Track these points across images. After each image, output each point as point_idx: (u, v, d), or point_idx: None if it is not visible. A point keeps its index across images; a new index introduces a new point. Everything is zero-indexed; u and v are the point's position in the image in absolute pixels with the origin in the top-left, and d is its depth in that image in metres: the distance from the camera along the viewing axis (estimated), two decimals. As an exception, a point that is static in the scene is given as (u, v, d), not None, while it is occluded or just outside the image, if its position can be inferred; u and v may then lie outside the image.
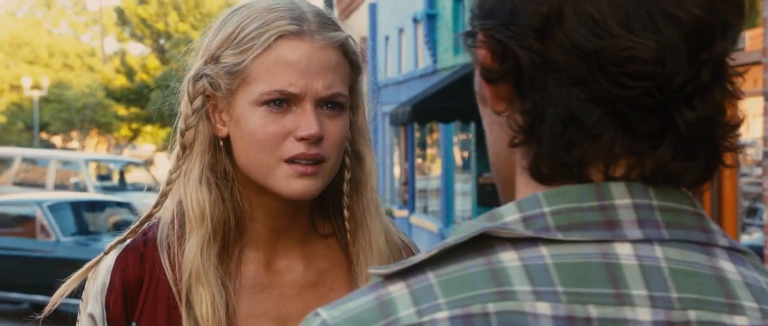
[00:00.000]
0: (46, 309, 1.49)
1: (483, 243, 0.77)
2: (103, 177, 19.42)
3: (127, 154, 40.43)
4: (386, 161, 19.65)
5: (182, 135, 1.41)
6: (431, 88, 13.49)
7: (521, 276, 0.75)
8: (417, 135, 17.68)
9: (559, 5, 0.77)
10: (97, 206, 12.15)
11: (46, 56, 40.40)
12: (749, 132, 6.61)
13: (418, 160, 17.95)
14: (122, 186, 18.65)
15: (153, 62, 33.37)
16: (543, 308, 0.74)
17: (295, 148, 1.35)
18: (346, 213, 1.44)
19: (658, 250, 0.77)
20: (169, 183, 1.42)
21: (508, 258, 0.76)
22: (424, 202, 17.56)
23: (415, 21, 17.01)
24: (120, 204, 12.56)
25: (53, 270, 10.77)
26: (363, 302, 0.77)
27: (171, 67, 31.49)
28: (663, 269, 0.76)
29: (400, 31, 18.32)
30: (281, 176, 1.35)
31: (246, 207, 1.41)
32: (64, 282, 1.46)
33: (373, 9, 20.45)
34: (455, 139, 15.43)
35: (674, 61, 0.75)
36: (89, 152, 33.14)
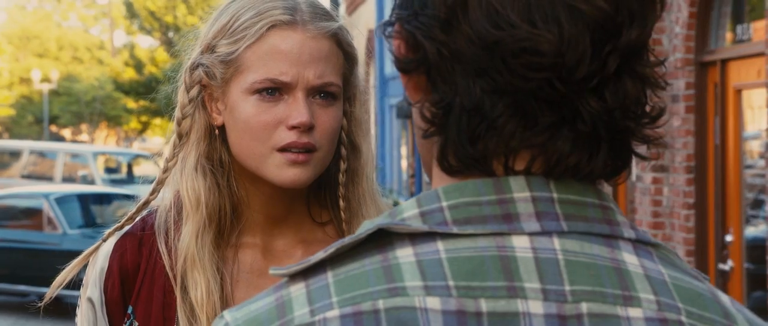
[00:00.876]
0: (47, 297, 1.51)
1: (384, 239, 0.78)
2: (111, 170, 19.46)
3: (136, 147, 40.52)
4: (394, 154, 19.64)
5: (179, 123, 1.43)
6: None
7: (413, 272, 0.76)
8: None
9: None
10: (104, 199, 12.19)
11: (55, 49, 40.49)
12: (754, 124, 6.58)
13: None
14: (130, 178, 18.68)
15: (162, 55, 33.40)
16: (433, 303, 0.74)
17: (286, 137, 1.37)
18: (341, 202, 1.46)
19: (557, 242, 0.77)
20: (165, 170, 1.44)
21: (404, 253, 0.77)
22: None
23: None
24: (127, 197, 12.58)
25: (60, 262, 10.79)
26: (265, 303, 0.78)
27: (180, 60, 31.29)
28: (559, 261, 0.76)
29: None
30: (273, 164, 1.37)
31: (242, 195, 1.43)
32: (64, 269, 1.49)
33: (380, 1, 20.42)
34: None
35: (575, 52, 0.75)
36: (98, 145, 33.23)
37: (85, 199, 11.65)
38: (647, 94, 0.80)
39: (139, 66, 32.49)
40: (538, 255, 0.76)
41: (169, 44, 33.59)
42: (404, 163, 19.59)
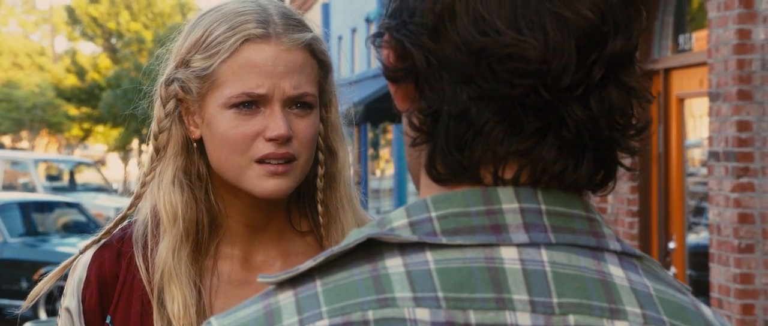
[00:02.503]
0: (24, 306, 1.50)
1: (373, 249, 0.77)
2: (52, 178, 19.17)
3: (78, 154, 39.96)
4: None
5: (155, 138, 1.44)
6: (384, 88, 13.50)
7: (403, 282, 0.75)
8: (370, 135, 17.69)
9: (451, 4, 0.77)
10: (46, 207, 12.00)
11: (-6, 55, 39.79)
12: (696, 132, 6.70)
13: (370, 151, 17.95)
14: (72, 186, 18.42)
15: (104, 62, 32.99)
16: (422, 314, 0.74)
17: (264, 148, 1.38)
18: (319, 207, 1.46)
19: (544, 254, 0.77)
20: (143, 185, 1.45)
21: (393, 264, 0.76)
22: (378, 203, 17.57)
23: (368, 21, 17.01)
24: (69, 205, 12.41)
25: (0, 271, 10.62)
26: (252, 310, 0.77)
27: (123, 67, 31.27)
28: (547, 273, 0.76)
29: (353, 30, 18.31)
30: (253, 176, 1.38)
31: (220, 207, 1.44)
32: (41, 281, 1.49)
33: (325, 9, 20.42)
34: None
35: (560, 60, 0.76)
36: (39, 152, 32.71)
37: (26, 207, 11.46)
38: (633, 105, 0.80)
39: (81, 72, 32.04)
40: (526, 266, 0.76)
41: (111, 51, 33.21)
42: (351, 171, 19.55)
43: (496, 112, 0.77)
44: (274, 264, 1.46)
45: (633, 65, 0.79)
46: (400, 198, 15.68)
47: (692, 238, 6.61)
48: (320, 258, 0.77)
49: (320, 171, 1.46)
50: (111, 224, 1.48)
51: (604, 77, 0.77)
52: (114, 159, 41.22)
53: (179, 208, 1.41)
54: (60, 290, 1.55)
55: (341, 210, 1.47)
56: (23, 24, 45.85)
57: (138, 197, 1.46)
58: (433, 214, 0.77)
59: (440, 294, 0.75)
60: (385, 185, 16.98)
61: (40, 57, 41.93)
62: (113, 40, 33.32)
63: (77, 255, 1.48)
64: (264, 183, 1.38)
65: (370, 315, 0.74)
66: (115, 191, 19.38)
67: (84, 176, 21.05)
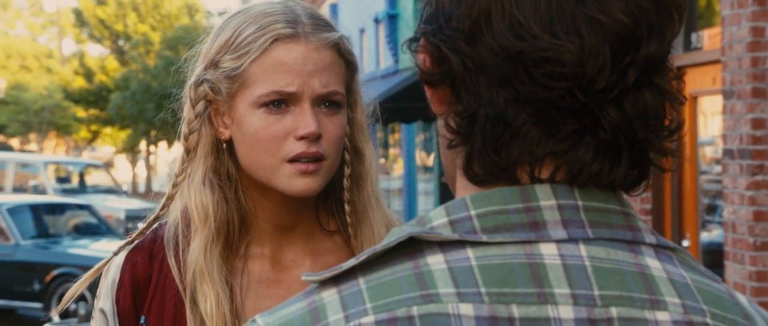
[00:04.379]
0: (59, 308, 1.55)
1: (414, 247, 0.79)
2: (62, 180, 19.21)
3: (86, 156, 40.03)
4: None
5: (186, 139, 1.46)
6: (393, 88, 13.51)
7: (446, 279, 0.77)
8: (379, 135, 17.70)
9: (487, 9, 0.79)
10: (56, 209, 12.03)
11: (2, 58, 39.88)
12: (708, 130, 6.69)
13: (381, 160, 17.96)
14: (82, 188, 18.46)
15: (112, 64, 33.04)
16: (466, 309, 0.76)
17: (295, 148, 1.39)
18: (347, 207, 1.48)
19: (583, 249, 0.79)
20: (174, 185, 1.47)
21: (435, 261, 0.78)
22: (387, 202, 17.53)
23: (377, 21, 17.02)
24: (80, 207, 12.44)
25: (13, 273, 10.64)
26: (297, 308, 0.79)
27: (130, 69, 31.27)
28: (587, 267, 0.78)
29: (362, 31, 18.32)
30: (284, 175, 1.40)
31: (250, 207, 1.46)
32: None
33: (334, 9, 20.42)
34: (417, 139, 15.46)
35: (596, 63, 0.78)
36: (48, 154, 32.77)
37: (37, 210, 11.49)
38: (665, 107, 0.82)
39: (89, 74, 32.10)
40: (566, 261, 0.78)
41: (119, 53, 33.27)
42: (377, 171, 19.54)
43: (532, 115, 0.78)
44: (304, 263, 1.48)
45: (666, 68, 0.81)
46: (410, 198, 15.68)
47: (705, 236, 6.61)
48: (363, 256, 0.79)
49: (347, 171, 1.48)
50: (144, 225, 1.50)
51: (637, 80, 0.79)
52: (122, 161, 41.28)
53: (210, 208, 1.43)
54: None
55: (369, 209, 1.48)
56: (31, 26, 45.95)
57: (170, 198, 1.47)
58: (473, 213, 0.79)
59: (483, 290, 0.77)
60: (394, 185, 16.99)
61: (47, 59, 42.01)
62: (121, 42, 33.38)
63: (111, 257, 1.50)
64: (294, 182, 1.39)
65: (415, 310, 0.76)
66: (125, 193, 19.42)
67: (93, 178, 21.08)
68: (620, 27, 0.78)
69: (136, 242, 1.49)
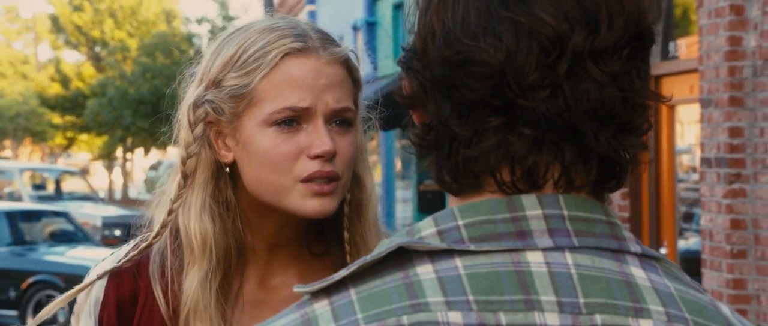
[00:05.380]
0: (33, 323, 1.45)
1: (403, 257, 0.81)
2: (38, 187, 19.08)
3: (61, 163, 39.76)
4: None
5: (183, 163, 1.38)
6: (371, 95, 13.51)
7: (435, 288, 0.79)
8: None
9: (432, 26, 0.83)
10: (33, 216, 11.94)
11: (-23, 64, 39.59)
12: (685, 138, 6.74)
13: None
14: (58, 195, 18.34)
15: (88, 70, 32.85)
16: (455, 317, 0.78)
17: (310, 167, 1.33)
18: (346, 234, 1.42)
19: (569, 257, 0.80)
20: (170, 213, 1.38)
21: (424, 271, 0.80)
22: (365, 210, 17.54)
23: (355, 28, 17.04)
24: (57, 214, 12.36)
25: (-12, 281, 10.55)
26: (290, 320, 0.81)
27: (107, 75, 31.12)
28: (572, 275, 0.80)
29: (340, 38, 18.22)
30: (297, 196, 1.34)
31: (247, 236, 1.40)
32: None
33: (312, 16, 20.42)
34: (396, 146, 15.46)
35: (514, 60, 0.80)
36: (23, 161, 32.53)
37: (13, 216, 11.40)
38: (629, 102, 0.82)
39: (65, 81, 31.90)
40: (552, 269, 0.79)
41: (95, 59, 33.10)
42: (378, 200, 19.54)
43: (466, 117, 0.81)
44: (291, 285, 1.42)
45: (617, 59, 0.81)
46: (388, 205, 15.68)
47: (683, 244, 6.65)
48: (353, 267, 0.80)
49: (347, 196, 1.41)
50: (135, 251, 1.41)
51: (571, 72, 0.80)
52: (98, 167, 41.05)
53: (211, 239, 1.36)
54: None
55: (370, 239, 1.43)
56: (6, 32, 45.63)
57: (164, 226, 1.39)
58: (461, 222, 0.81)
59: (471, 298, 0.78)
60: (373, 192, 16.96)
61: (23, 65, 41.72)
62: (97, 49, 33.21)
63: (94, 280, 1.41)
64: (308, 203, 1.33)
65: (405, 320, 0.78)
66: (102, 200, 19.31)
67: (69, 185, 20.94)
68: (542, 25, 0.80)
69: (121, 265, 1.40)
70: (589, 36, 0.81)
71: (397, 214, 15.42)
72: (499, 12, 0.81)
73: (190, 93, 1.41)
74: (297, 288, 0.81)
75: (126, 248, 1.43)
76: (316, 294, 0.81)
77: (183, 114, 1.41)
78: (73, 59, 37.08)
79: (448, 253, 0.80)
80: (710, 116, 5.68)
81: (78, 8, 33.37)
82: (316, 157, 1.33)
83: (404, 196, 14.99)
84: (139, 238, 1.44)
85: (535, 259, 0.80)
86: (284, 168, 1.34)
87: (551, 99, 0.80)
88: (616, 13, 0.82)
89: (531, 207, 0.81)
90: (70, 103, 30.49)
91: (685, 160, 6.76)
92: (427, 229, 0.82)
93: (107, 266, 1.41)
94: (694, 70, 6.07)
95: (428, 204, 13.21)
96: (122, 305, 1.39)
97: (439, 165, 0.84)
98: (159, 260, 1.39)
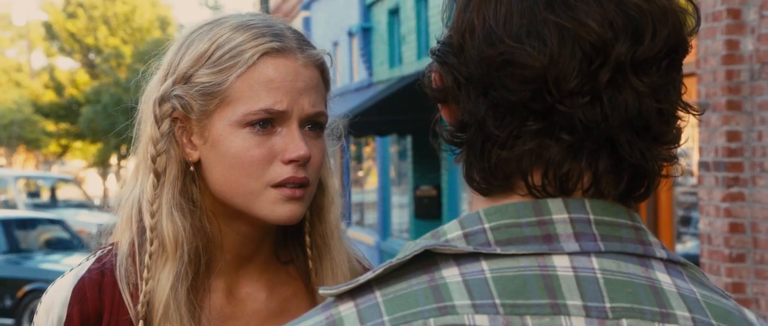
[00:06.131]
0: None
1: (428, 260, 0.81)
2: (33, 194, 19.05)
3: (56, 171, 39.69)
4: (322, 175, 19.54)
5: (154, 161, 1.33)
6: (367, 101, 13.51)
7: (461, 291, 0.79)
8: (353, 148, 17.69)
9: (471, 22, 0.83)
10: (28, 223, 11.93)
11: (-29, 71, 39.52)
12: (683, 141, 6.73)
13: (359, 173, 17.95)
14: (53, 203, 18.31)
15: (82, 77, 32.83)
16: (482, 320, 0.78)
17: (283, 172, 1.29)
18: (307, 240, 1.39)
19: (595, 262, 0.80)
20: (152, 215, 1.32)
21: (450, 273, 0.80)
22: (361, 215, 17.55)
23: (350, 34, 17.03)
24: (52, 222, 12.34)
25: (-16, 289, 10.52)
26: (315, 321, 0.80)
27: (102, 82, 31.08)
28: (598, 279, 0.80)
29: (335, 44, 18.32)
30: (267, 201, 1.30)
31: (216, 236, 1.35)
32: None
33: (307, 22, 20.42)
34: (391, 152, 15.46)
35: (557, 65, 0.80)
36: (18, 169, 32.46)
37: (9, 225, 11.38)
38: (664, 113, 0.82)
39: (59, 88, 31.87)
40: (578, 273, 0.79)
41: (90, 66, 33.05)
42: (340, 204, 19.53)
43: (502, 118, 0.81)
44: (259, 297, 1.38)
45: (656, 71, 0.81)
46: (384, 211, 15.67)
47: (681, 248, 6.65)
48: (379, 269, 0.80)
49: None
50: (98, 265, 1.34)
51: (612, 81, 0.80)
52: (92, 175, 40.99)
53: (182, 236, 1.30)
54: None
55: (332, 244, 1.39)
56: (-1, 40, 45.60)
57: (153, 230, 1.32)
58: (487, 225, 0.81)
59: (498, 301, 0.78)
60: (369, 198, 16.97)
61: (17, 73, 41.67)
62: (91, 56, 33.17)
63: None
64: (279, 208, 1.29)
65: (432, 322, 0.77)
66: (97, 207, 19.27)
67: (64, 192, 20.90)
68: (587, 31, 0.80)
69: (83, 274, 1.34)
70: (633, 46, 0.81)
71: (393, 220, 15.41)
72: (544, 15, 0.81)
73: (154, 86, 1.36)
74: (322, 291, 0.81)
75: (87, 264, 1.36)
76: (341, 296, 0.81)
77: (148, 108, 1.35)
78: (67, 66, 37.05)
79: (474, 256, 0.80)
80: (708, 120, 5.69)
81: (72, 15, 33.34)
82: (291, 161, 1.29)
83: (400, 202, 14.98)
84: (102, 249, 1.37)
85: (561, 263, 0.79)
86: (256, 172, 1.29)
87: (589, 107, 0.80)
88: (661, 24, 0.82)
89: (557, 211, 0.81)
90: (64, 111, 30.45)
91: (683, 163, 6.77)
92: (453, 232, 0.82)
93: (68, 283, 1.34)
94: (691, 74, 6.07)
95: (424, 209, 13.20)
96: (86, 323, 1.33)
97: (469, 164, 0.84)
98: (125, 264, 1.33)
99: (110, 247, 1.36)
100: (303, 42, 1.34)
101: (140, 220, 1.35)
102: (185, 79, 1.32)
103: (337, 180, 1.45)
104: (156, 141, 1.33)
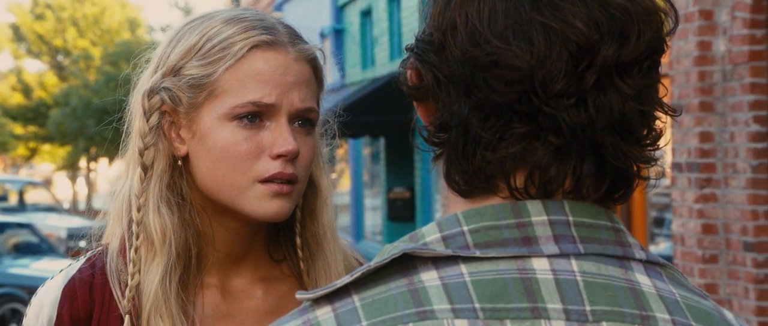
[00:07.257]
0: None
1: (407, 263, 0.80)
2: (0, 198, 18.85)
3: (23, 174, 39.35)
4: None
5: (141, 155, 1.31)
6: (339, 103, 13.48)
7: (440, 295, 0.78)
8: (325, 150, 17.65)
9: (453, 20, 0.81)
10: (-4, 228, 11.79)
11: (-63, 74, 39.10)
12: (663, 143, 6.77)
13: (332, 175, 17.90)
14: (22, 206, 18.13)
15: (51, 79, 32.57)
16: (461, 325, 0.77)
17: (271, 168, 1.27)
18: (298, 240, 1.37)
19: (574, 264, 0.80)
20: (139, 209, 1.31)
21: (429, 277, 0.79)
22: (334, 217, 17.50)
23: (323, 36, 17.00)
24: (21, 226, 12.20)
25: (-49, 295, 10.39)
26: None
27: (70, 84, 30.89)
28: (578, 282, 0.79)
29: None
30: (254, 197, 1.28)
31: (206, 231, 1.33)
32: None
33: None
34: (364, 154, 15.45)
35: (544, 67, 0.79)
36: (-15, 172, 32.14)
37: (-24, 229, 11.25)
38: (645, 114, 0.82)
39: (27, 90, 31.60)
40: (557, 276, 0.79)
41: (58, 68, 32.79)
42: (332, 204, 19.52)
43: (486, 119, 0.80)
44: (255, 293, 1.36)
45: (638, 72, 0.81)
46: (357, 213, 15.65)
47: (654, 249, 6.67)
48: (356, 273, 0.79)
49: (300, 201, 1.35)
50: (87, 264, 1.33)
51: (599, 83, 0.79)
52: (61, 178, 40.68)
53: (170, 231, 1.29)
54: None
55: (324, 243, 1.37)
56: (-34, 42, 45.14)
57: (139, 224, 1.31)
58: (465, 228, 0.80)
59: (477, 305, 0.77)
60: (342, 200, 16.94)
61: (-16, 75, 41.28)
62: (60, 58, 32.92)
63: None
64: (266, 204, 1.27)
65: None
66: (66, 211, 19.12)
67: (32, 196, 20.71)
68: (574, 33, 0.79)
69: (73, 274, 1.33)
70: (619, 48, 0.80)
71: (367, 222, 15.40)
72: (530, 15, 0.79)
73: (144, 80, 1.34)
74: (299, 295, 0.79)
75: (78, 264, 1.35)
76: (318, 301, 0.80)
77: (137, 101, 1.34)
78: (35, 69, 36.75)
79: (453, 260, 0.79)
80: (681, 121, 5.71)
81: (40, 17, 33.07)
82: (279, 156, 1.27)
83: (373, 204, 14.97)
84: (94, 250, 1.36)
85: (540, 266, 0.79)
86: (243, 167, 1.27)
87: (575, 109, 0.79)
88: (645, 26, 0.81)
89: (536, 213, 0.80)
90: (33, 113, 30.18)
91: (660, 165, 6.79)
92: (432, 235, 0.81)
93: (58, 283, 1.33)
94: (664, 75, 6.10)
95: (397, 212, 13.20)
96: (77, 323, 1.31)
97: (450, 165, 0.82)
98: (116, 261, 1.32)
99: (102, 247, 1.35)
100: (295, 36, 1.33)
101: (130, 216, 1.34)
102: (174, 71, 1.30)
103: (330, 179, 1.43)
104: (144, 134, 1.31)
